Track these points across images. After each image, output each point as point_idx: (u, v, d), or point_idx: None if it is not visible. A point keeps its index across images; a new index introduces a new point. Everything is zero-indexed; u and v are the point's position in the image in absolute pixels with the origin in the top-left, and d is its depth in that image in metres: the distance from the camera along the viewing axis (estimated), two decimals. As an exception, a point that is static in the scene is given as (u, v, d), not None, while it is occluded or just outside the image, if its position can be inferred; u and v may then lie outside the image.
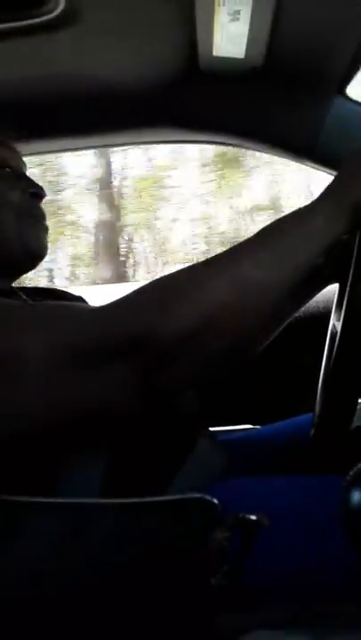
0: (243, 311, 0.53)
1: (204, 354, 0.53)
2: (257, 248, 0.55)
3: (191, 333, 0.51)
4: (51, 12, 0.75)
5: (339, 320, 0.65)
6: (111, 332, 0.51)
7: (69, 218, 5.99)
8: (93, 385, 0.52)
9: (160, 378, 0.52)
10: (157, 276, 0.56)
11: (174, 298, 0.52)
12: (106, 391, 0.52)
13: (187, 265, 0.56)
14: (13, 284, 0.82)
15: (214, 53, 0.89)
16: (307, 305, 0.94)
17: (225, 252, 0.56)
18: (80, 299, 0.88)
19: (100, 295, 0.94)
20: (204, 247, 6.03)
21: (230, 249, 0.56)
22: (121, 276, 5.81)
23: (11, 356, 0.52)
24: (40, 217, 0.79)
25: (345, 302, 0.60)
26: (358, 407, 0.64)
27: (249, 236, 0.57)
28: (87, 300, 0.89)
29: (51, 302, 0.69)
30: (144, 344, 0.50)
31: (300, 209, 0.58)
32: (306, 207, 0.58)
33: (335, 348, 0.63)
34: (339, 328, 0.62)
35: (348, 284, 0.60)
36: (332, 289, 0.82)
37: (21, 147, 0.82)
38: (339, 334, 0.61)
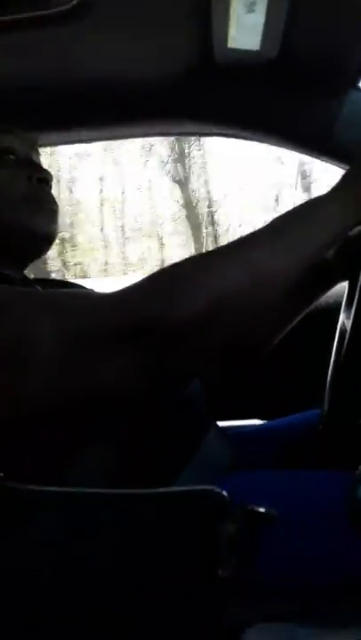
0: (252, 298, 0.53)
1: (214, 338, 0.53)
2: (270, 236, 0.56)
3: (200, 318, 0.51)
4: (66, 2, 0.74)
5: (349, 318, 0.65)
6: (122, 315, 0.52)
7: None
8: (104, 368, 0.52)
9: (170, 361, 0.53)
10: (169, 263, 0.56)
11: (185, 283, 0.52)
12: (116, 374, 0.52)
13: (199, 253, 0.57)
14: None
15: (229, 45, 0.88)
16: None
17: (238, 239, 0.56)
18: (93, 291, 0.89)
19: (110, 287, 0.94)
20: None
21: (244, 236, 0.56)
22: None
23: (22, 339, 0.52)
24: (48, 203, 0.78)
25: (355, 300, 0.60)
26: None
27: (264, 224, 0.57)
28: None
29: (62, 289, 0.69)
30: (154, 327, 0.51)
31: (316, 197, 0.58)
32: (321, 196, 0.58)
33: (345, 346, 0.63)
34: (349, 326, 0.63)
35: (359, 282, 0.60)
36: (343, 285, 0.82)
37: (34, 137, 0.81)
38: (349, 332, 0.61)
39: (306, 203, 0.58)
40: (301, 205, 0.58)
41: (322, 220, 0.56)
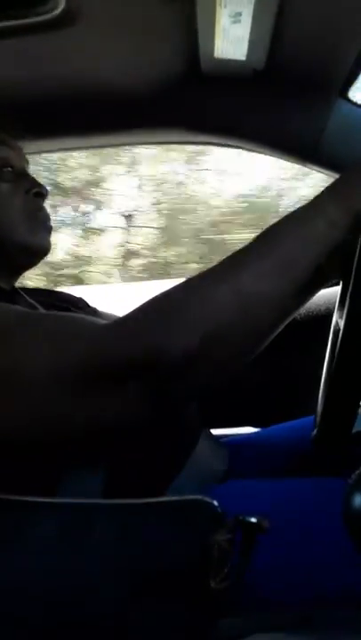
0: (246, 324, 0.52)
1: (211, 367, 0.52)
2: (257, 257, 0.53)
3: (196, 352, 0.50)
4: (52, 11, 0.74)
5: (341, 318, 0.64)
6: (116, 355, 0.51)
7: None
8: (99, 403, 0.51)
9: (168, 394, 0.52)
10: (159, 292, 0.54)
11: (177, 318, 0.50)
12: (114, 408, 0.51)
13: (186, 279, 0.54)
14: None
15: (215, 55, 0.89)
16: (308, 305, 0.93)
17: (224, 262, 0.54)
18: (81, 300, 0.88)
19: (99, 295, 0.94)
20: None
21: (229, 259, 0.54)
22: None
23: (19, 371, 0.51)
24: (43, 217, 0.78)
25: (348, 300, 0.59)
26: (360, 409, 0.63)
27: (248, 243, 0.55)
28: (88, 301, 0.89)
29: (56, 314, 0.68)
30: (150, 367, 0.49)
31: (301, 210, 0.56)
32: (307, 209, 0.56)
33: (338, 347, 0.62)
34: (341, 326, 0.62)
35: (351, 281, 0.59)
36: (334, 288, 0.81)
37: (21, 145, 0.81)
38: (341, 332, 0.60)
39: (294, 215, 0.56)
40: (289, 219, 0.56)
41: (311, 236, 0.54)
